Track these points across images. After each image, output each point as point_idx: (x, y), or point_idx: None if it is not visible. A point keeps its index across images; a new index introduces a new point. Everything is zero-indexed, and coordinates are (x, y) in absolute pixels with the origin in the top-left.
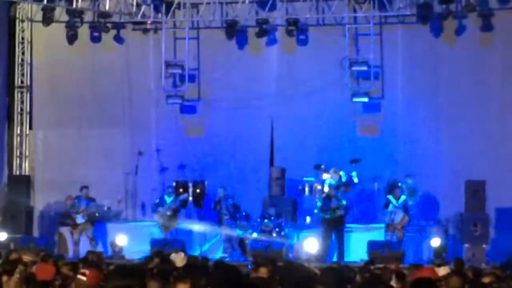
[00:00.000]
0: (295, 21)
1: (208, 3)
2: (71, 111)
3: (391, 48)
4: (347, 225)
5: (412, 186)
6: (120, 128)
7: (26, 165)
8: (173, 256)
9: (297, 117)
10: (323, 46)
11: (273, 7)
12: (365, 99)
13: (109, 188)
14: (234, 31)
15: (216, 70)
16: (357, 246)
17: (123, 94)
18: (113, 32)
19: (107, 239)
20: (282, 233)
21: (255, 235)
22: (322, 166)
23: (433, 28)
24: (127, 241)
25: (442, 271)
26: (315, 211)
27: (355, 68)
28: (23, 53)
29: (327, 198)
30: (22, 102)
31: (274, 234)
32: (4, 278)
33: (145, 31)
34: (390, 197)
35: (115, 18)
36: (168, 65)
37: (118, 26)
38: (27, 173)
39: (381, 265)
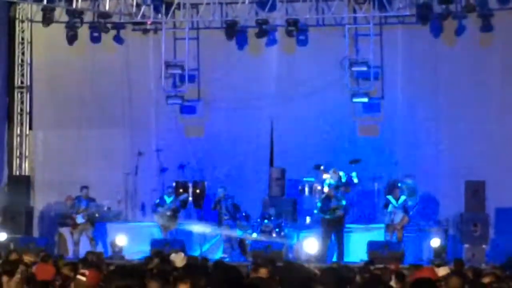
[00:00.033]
0: (295, 21)
1: (208, 4)
2: (71, 112)
3: (391, 48)
4: (347, 225)
5: (412, 186)
6: (120, 128)
7: (26, 166)
8: (173, 256)
9: (297, 118)
10: (323, 47)
11: (273, 8)
12: (365, 100)
13: (109, 188)
14: (234, 31)
15: (216, 71)
16: (357, 247)
17: (123, 95)
18: (113, 32)
19: (107, 239)
20: (282, 233)
21: (255, 235)
22: (322, 167)
23: (433, 29)
24: (127, 242)
25: (442, 271)
26: (315, 211)
27: (355, 69)
28: (23, 54)
29: (327, 198)
30: (22, 103)
31: (274, 235)
32: (4, 278)
33: (145, 31)
34: (390, 197)
35: (115, 19)
36: (168, 65)
37: (118, 26)
38: (27, 174)
39: (381, 266)
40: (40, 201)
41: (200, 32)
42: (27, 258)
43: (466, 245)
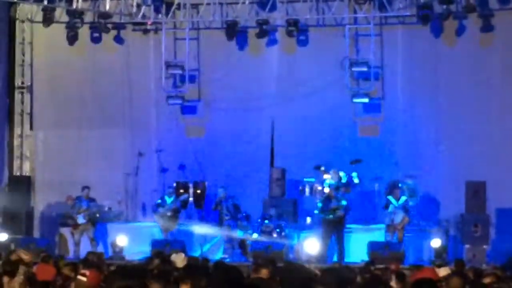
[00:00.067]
0: (295, 21)
1: (208, 4)
2: (72, 112)
3: (391, 48)
4: (347, 225)
5: (412, 186)
6: (120, 128)
7: (26, 166)
8: (173, 256)
9: (297, 118)
10: (323, 47)
11: (273, 8)
12: (365, 100)
13: (109, 188)
14: (234, 31)
15: (216, 71)
16: (358, 247)
17: (123, 95)
18: (113, 32)
19: (107, 239)
20: (283, 233)
21: (255, 235)
22: (322, 167)
23: (433, 29)
24: (128, 242)
25: (443, 271)
26: (316, 211)
27: (355, 69)
28: (23, 54)
29: (327, 198)
30: (22, 103)
31: (275, 235)
32: (5, 279)
33: (145, 31)
34: (390, 197)
35: (116, 19)
36: (168, 65)
37: (119, 26)
38: (27, 174)
39: (381, 266)
40: (40, 202)
41: (200, 32)
42: (27, 259)
43: (467, 246)
